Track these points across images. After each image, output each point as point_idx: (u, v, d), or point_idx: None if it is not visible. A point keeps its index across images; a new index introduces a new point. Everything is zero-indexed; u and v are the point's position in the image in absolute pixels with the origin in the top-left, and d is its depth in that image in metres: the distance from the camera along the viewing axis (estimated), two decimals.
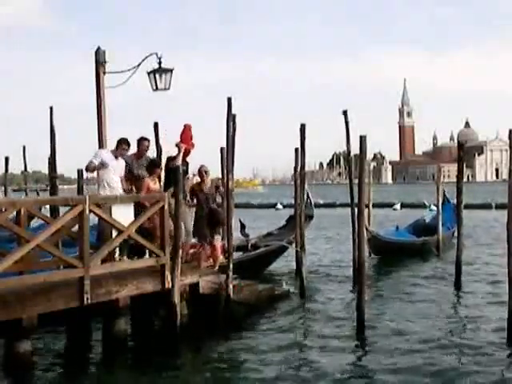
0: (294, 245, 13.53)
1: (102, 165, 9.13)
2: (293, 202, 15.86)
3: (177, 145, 10.39)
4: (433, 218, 20.67)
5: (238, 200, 15.64)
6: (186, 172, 10.44)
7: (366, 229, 14.48)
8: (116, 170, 9.33)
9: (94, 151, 9.48)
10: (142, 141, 10.03)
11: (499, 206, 36.34)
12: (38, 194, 27.29)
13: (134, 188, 9.72)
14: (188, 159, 10.59)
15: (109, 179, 9.20)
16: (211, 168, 11.01)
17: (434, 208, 23.09)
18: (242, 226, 15.22)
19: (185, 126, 10.59)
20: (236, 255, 12.96)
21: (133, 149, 9.90)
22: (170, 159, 10.37)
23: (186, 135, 10.48)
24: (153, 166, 9.82)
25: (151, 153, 10.97)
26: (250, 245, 14.01)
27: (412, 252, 17.24)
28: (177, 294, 8.76)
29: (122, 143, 9.51)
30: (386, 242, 16.56)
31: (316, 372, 7.58)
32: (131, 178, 9.74)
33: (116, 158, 9.38)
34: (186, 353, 8.51)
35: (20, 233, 7.88)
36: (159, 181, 10.06)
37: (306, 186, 16.54)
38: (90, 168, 9.27)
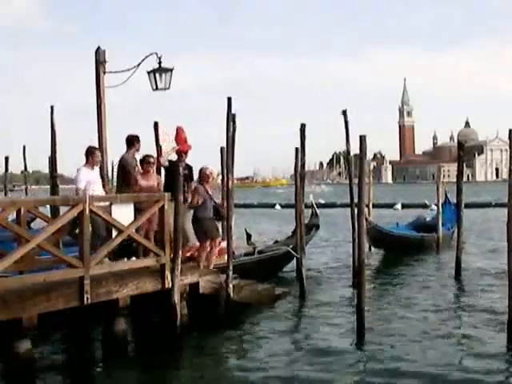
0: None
1: (88, 183, 9.00)
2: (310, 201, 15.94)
3: (173, 149, 10.39)
4: (433, 217, 20.74)
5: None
6: (189, 176, 10.39)
7: (366, 219, 14.50)
8: (95, 183, 9.13)
9: (74, 175, 9.24)
10: (138, 141, 9.90)
11: (498, 205, 37.10)
12: None
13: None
14: (190, 162, 10.61)
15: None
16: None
17: (435, 208, 23.15)
18: (248, 236, 15.22)
19: (177, 128, 10.58)
20: (241, 259, 12.98)
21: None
22: (172, 163, 10.30)
23: (180, 138, 10.46)
24: (141, 162, 9.71)
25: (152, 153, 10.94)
26: (256, 251, 14.03)
27: (412, 246, 17.23)
28: (177, 294, 8.76)
29: (92, 151, 9.22)
30: (385, 234, 16.54)
31: (316, 372, 7.57)
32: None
33: (92, 169, 9.18)
34: (185, 353, 8.51)
35: (20, 232, 7.88)
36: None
37: (311, 197, 16.58)
38: (79, 194, 9.05)
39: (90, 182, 9.00)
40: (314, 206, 16.22)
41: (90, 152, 9.17)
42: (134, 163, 9.79)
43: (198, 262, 10.20)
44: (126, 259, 9.07)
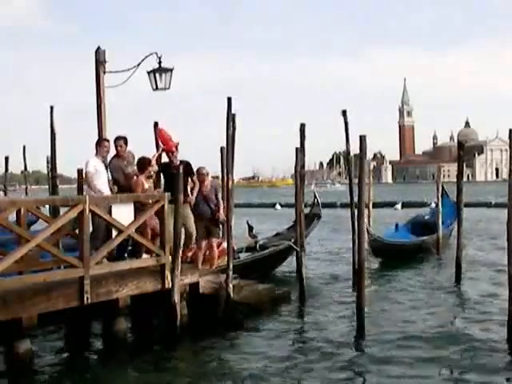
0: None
1: (96, 171, 9.07)
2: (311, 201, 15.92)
3: (163, 150, 10.32)
4: (431, 214, 20.71)
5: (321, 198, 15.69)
6: (190, 171, 10.33)
7: (367, 231, 14.45)
8: (105, 174, 9.24)
9: (85, 161, 9.33)
10: (116, 141, 9.68)
11: (498, 205, 37.42)
12: None
13: (115, 188, 9.61)
14: (190, 160, 10.58)
15: (100, 185, 9.14)
16: (211, 168, 10.98)
17: (434, 205, 23.11)
18: (250, 228, 15.22)
19: (157, 130, 10.59)
20: (243, 256, 13.03)
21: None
22: (166, 165, 10.25)
23: (163, 138, 10.36)
24: (143, 163, 9.62)
25: (151, 153, 10.91)
26: (258, 246, 14.03)
27: (411, 252, 17.22)
28: (177, 294, 8.76)
29: (100, 142, 9.39)
30: (385, 245, 16.55)
31: (315, 372, 7.57)
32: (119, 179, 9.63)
33: (102, 161, 9.28)
34: (185, 353, 8.51)
35: (20, 232, 7.88)
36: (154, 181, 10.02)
37: (314, 187, 16.54)
38: (89, 179, 9.18)
39: (98, 169, 9.07)
40: (316, 195, 16.07)
41: (98, 143, 9.35)
42: (122, 165, 9.71)
43: (195, 262, 10.21)
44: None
